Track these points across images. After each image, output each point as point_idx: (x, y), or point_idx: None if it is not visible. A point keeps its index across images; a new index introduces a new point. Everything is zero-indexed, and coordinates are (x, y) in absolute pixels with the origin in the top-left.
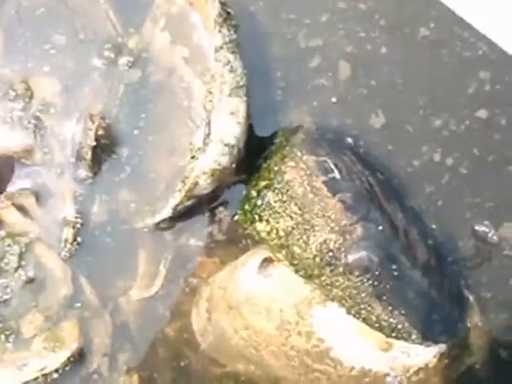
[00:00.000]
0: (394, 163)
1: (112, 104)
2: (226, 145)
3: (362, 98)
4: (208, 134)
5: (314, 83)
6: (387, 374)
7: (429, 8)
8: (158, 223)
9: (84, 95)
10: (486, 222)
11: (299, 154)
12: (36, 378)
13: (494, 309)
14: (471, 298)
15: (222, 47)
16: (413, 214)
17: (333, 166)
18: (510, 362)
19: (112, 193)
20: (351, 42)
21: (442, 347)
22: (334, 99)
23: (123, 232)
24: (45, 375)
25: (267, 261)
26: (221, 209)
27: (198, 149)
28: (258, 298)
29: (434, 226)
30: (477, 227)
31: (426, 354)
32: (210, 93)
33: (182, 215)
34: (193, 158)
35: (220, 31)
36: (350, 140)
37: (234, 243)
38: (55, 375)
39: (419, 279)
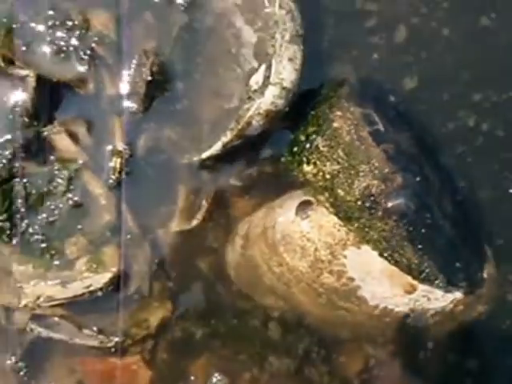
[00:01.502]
0: (429, 124)
1: (165, 43)
2: (283, 88)
3: (405, 63)
4: (268, 77)
5: (366, 41)
6: (406, 315)
7: None
8: (204, 160)
9: (138, 31)
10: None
11: (346, 104)
12: (83, 294)
13: (509, 260)
14: (489, 251)
15: None
16: (446, 171)
17: (377, 119)
18: None
19: (159, 128)
20: (414, 15)
21: (459, 294)
22: (377, 57)
23: (167, 166)
24: (91, 292)
25: (305, 204)
26: (263, 152)
27: (255, 90)
28: (294, 238)
29: (463, 184)
30: (502, 181)
31: (444, 300)
32: (273, 37)
33: (227, 155)
34: (249, 98)
35: None
36: (391, 98)
37: (272, 186)
38: (99, 293)
39: (448, 230)
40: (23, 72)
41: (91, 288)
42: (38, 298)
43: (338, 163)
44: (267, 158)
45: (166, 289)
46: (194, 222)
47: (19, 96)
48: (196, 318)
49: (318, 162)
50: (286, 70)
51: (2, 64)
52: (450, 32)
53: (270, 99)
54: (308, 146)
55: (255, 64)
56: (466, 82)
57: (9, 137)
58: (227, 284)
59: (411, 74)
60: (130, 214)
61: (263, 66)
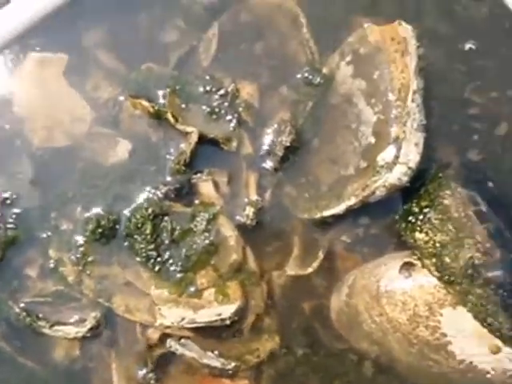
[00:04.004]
0: None
1: (299, 115)
2: (409, 168)
3: (504, 153)
4: (397, 157)
5: (468, 128)
6: (488, 373)
7: None
8: (325, 217)
9: (276, 103)
10: None
11: (453, 185)
12: (215, 321)
13: None
14: None
15: (416, 92)
16: None
17: (480, 200)
18: None
19: (282, 185)
20: None
21: None
22: (479, 143)
23: (286, 218)
24: (222, 320)
25: (407, 264)
26: (371, 215)
27: (382, 166)
28: (396, 293)
29: None
30: None
31: None
32: (404, 125)
33: (343, 215)
34: (377, 172)
35: (416, 79)
36: (490, 184)
37: (376, 245)
38: (227, 322)
39: None
40: (189, 129)
41: (222, 316)
42: (183, 319)
43: (447, 235)
44: (374, 220)
45: (275, 324)
46: (310, 270)
47: (180, 147)
48: (298, 353)
49: (429, 232)
50: (412, 153)
51: (172, 120)
52: None
53: (397, 175)
54: (421, 217)
55: (372, 140)
56: None
57: (163, 179)
58: (327, 326)
59: (508, 164)
60: (252, 255)
61: (391, 147)
